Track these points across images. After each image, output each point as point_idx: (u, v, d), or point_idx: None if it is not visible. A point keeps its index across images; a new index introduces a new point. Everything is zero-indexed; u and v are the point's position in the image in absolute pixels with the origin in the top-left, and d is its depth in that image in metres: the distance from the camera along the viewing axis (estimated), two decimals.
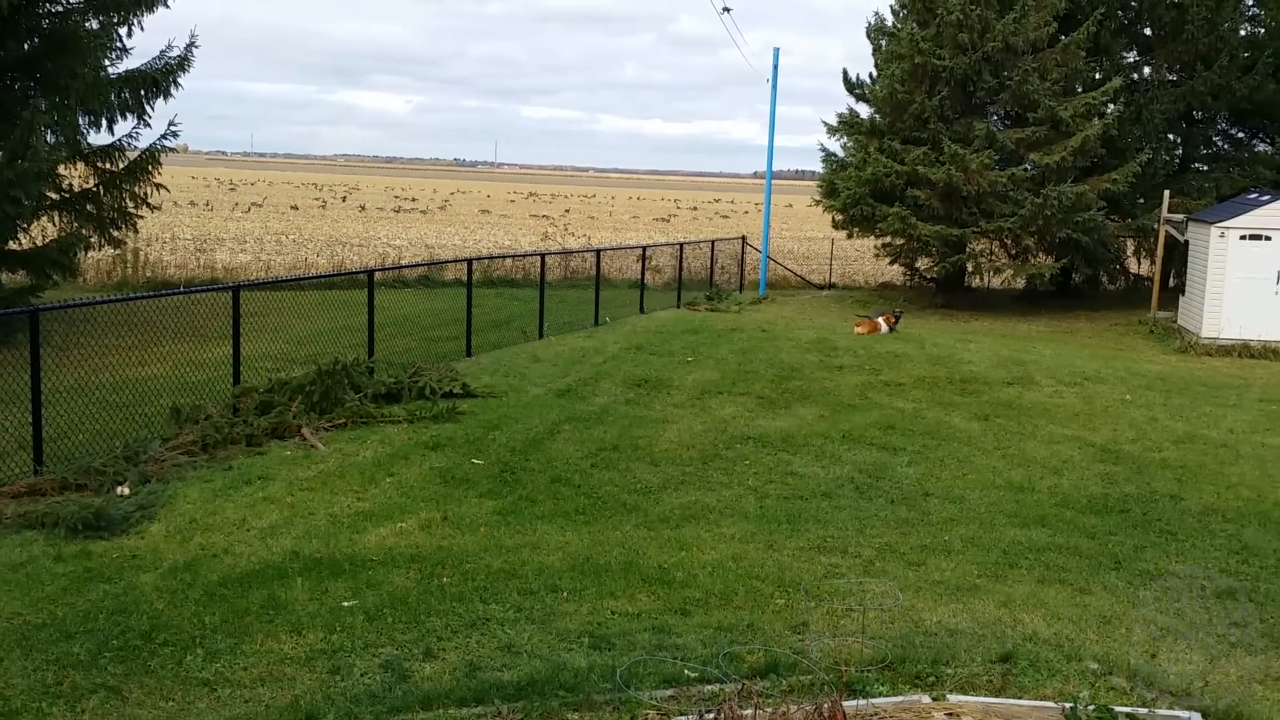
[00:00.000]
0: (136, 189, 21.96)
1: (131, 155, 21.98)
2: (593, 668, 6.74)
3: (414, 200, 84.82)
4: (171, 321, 16.97)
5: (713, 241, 34.95)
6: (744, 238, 37.56)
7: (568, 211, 77.62)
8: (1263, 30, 32.52)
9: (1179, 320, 25.94)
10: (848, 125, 31.78)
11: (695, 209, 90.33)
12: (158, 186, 22.49)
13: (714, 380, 17.16)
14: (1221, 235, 23.48)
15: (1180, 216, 26.93)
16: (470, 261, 22.14)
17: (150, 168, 21.97)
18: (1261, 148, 33.31)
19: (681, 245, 31.91)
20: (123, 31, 21.00)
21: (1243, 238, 23.37)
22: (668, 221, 68.51)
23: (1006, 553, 9.68)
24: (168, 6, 21.65)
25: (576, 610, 8.01)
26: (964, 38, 28.00)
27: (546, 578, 8.65)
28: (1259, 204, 23.82)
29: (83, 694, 6.63)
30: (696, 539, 9.79)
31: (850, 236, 33.23)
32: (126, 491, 10.54)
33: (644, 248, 30.35)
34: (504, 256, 31.52)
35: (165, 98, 21.62)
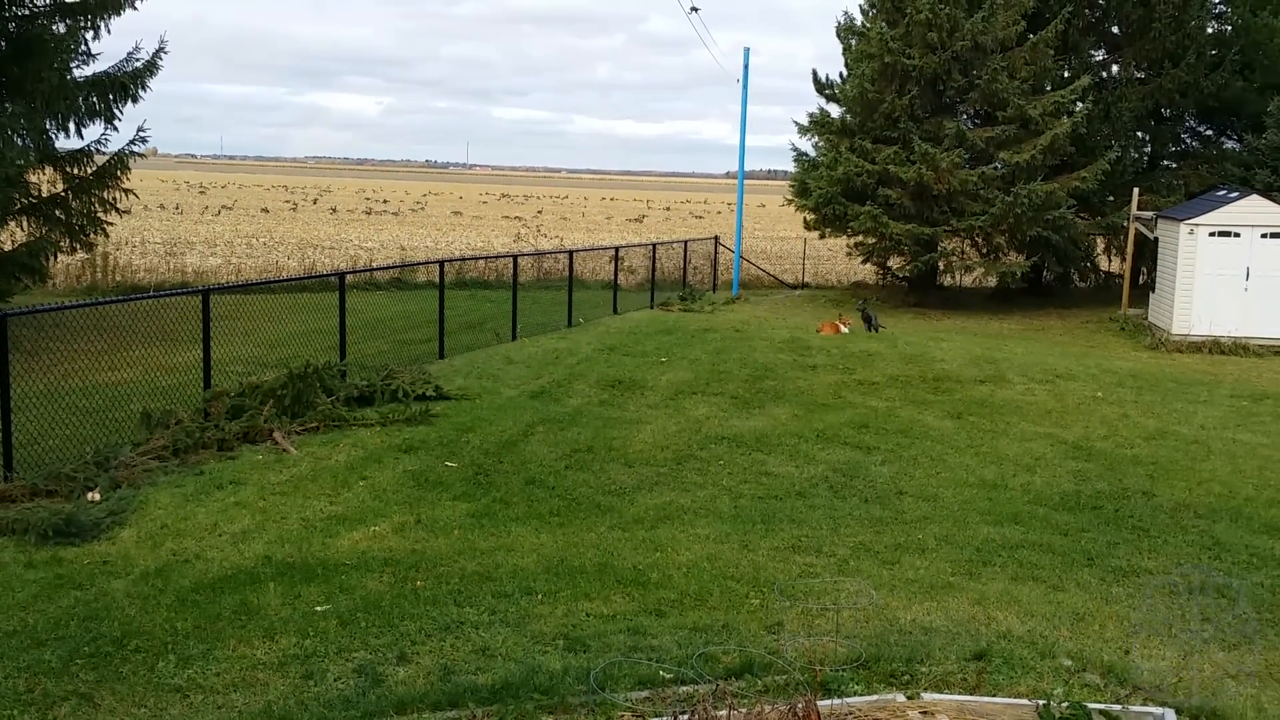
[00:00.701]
0: (105, 194, 21.83)
1: (100, 160, 21.82)
2: (568, 670, 6.72)
3: (385, 202, 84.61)
4: (141, 326, 16.82)
5: (685, 242, 34.98)
6: (717, 238, 37.59)
7: (540, 213, 77.59)
8: (1229, 28, 32.81)
9: (1150, 317, 26.11)
10: (819, 125, 31.87)
11: (668, 209, 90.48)
12: (126, 192, 22.35)
13: (688, 381, 17.16)
14: (1191, 232, 23.64)
15: (1150, 214, 27.10)
16: (442, 263, 22.07)
17: (119, 173, 21.83)
18: (1229, 145, 33.59)
19: (654, 246, 31.91)
20: (89, 35, 20.86)
21: (1212, 235, 23.54)
22: (640, 222, 68.61)
23: (980, 550, 9.71)
24: (135, 9, 21.50)
25: (551, 612, 7.99)
26: (933, 37, 28.11)
27: (521, 580, 8.62)
28: (1228, 201, 24.01)
29: (54, 701, 6.57)
30: (671, 540, 9.78)
31: (823, 236, 33.32)
32: (97, 497, 10.46)
33: (617, 248, 30.33)
34: (476, 258, 31.45)
35: (133, 101, 21.48)
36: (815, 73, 33.41)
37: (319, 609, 7.98)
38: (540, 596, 8.30)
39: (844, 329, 23.97)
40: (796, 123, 32.25)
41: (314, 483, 11.29)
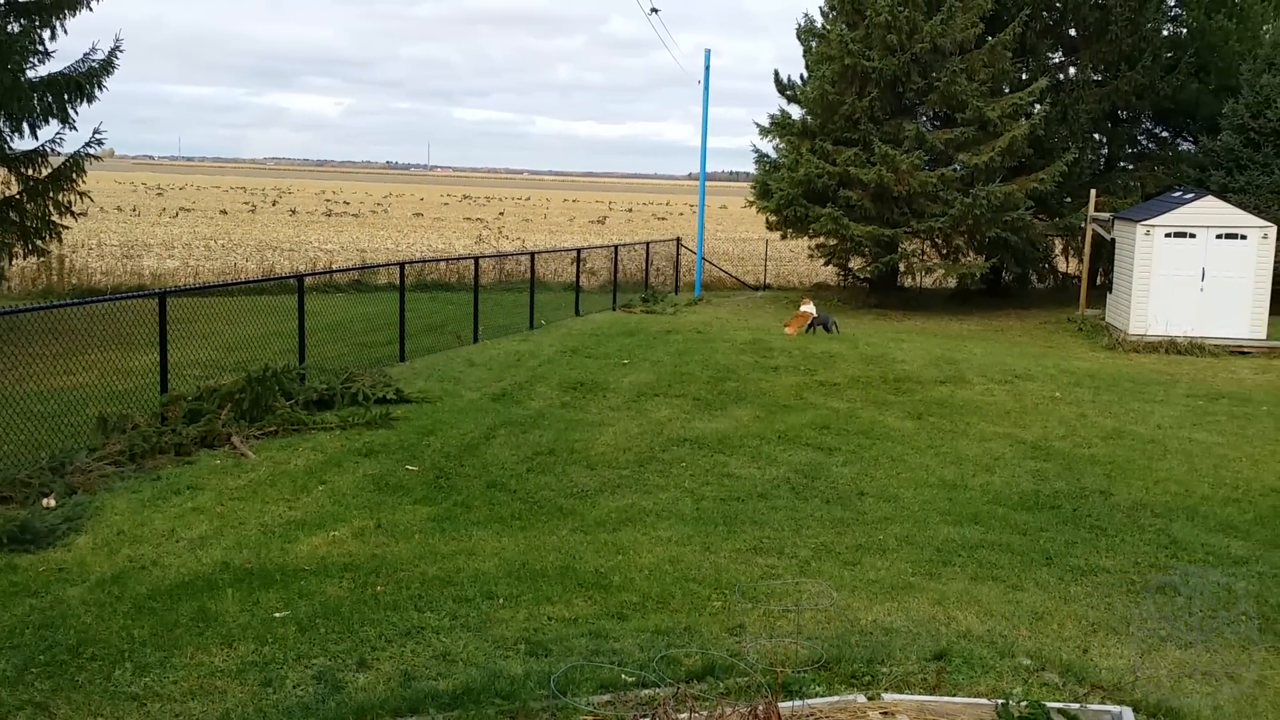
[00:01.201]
0: (61, 197, 21.60)
1: (56, 161, 21.61)
2: (529, 675, 6.70)
3: (346, 204, 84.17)
4: (98, 329, 16.65)
5: (648, 243, 34.98)
6: (679, 239, 37.61)
7: (502, 214, 77.36)
8: (1185, 30, 33.13)
9: (1107, 318, 26.33)
10: (780, 126, 31.94)
11: (630, 211, 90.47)
12: (82, 194, 22.14)
13: (650, 382, 17.16)
14: (1147, 233, 23.86)
15: (1107, 215, 27.33)
16: (403, 265, 21.98)
17: (75, 175, 21.62)
18: (1185, 146, 33.94)
19: (616, 247, 31.91)
20: (45, 34, 20.66)
21: (1168, 235, 23.77)
22: (602, 223, 68.55)
23: (940, 550, 9.76)
24: (90, 9, 21.32)
25: (513, 617, 7.96)
26: (893, 39, 28.23)
27: (482, 584, 8.59)
28: (1183, 202, 24.25)
29: (9, 711, 6.48)
30: (633, 542, 9.78)
31: (784, 237, 33.41)
32: (52, 503, 10.34)
33: (579, 250, 30.27)
34: (438, 260, 31.34)
35: (89, 101, 21.29)
36: (777, 74, 33.50)
37: (277, 615, 7.91)
38: (501, 601, 8.27)
39: (807, 309, 24.35)
40: (758, 124, 32.33)
41: (273, 487, 11.21)
